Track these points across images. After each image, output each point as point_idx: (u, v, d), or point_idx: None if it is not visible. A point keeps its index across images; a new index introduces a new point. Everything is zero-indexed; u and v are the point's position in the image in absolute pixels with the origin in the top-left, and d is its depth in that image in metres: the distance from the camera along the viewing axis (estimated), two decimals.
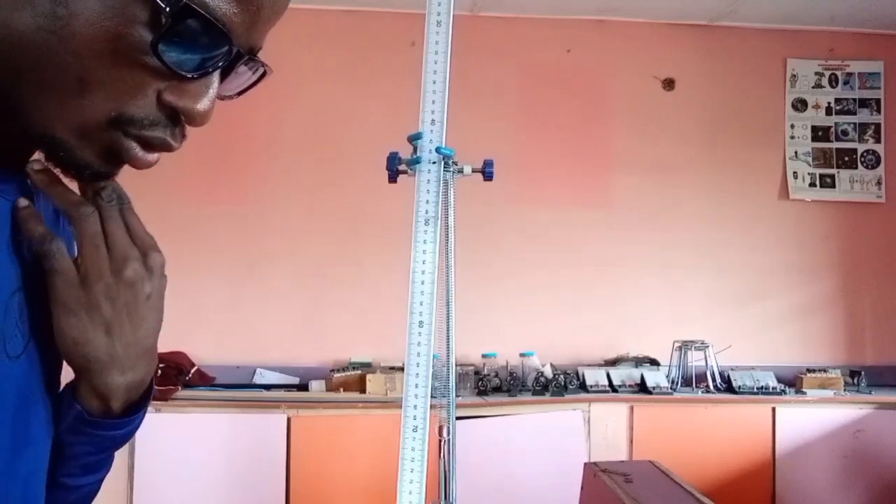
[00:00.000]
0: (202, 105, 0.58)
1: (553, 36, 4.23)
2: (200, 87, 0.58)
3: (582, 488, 2.61)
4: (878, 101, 4.34)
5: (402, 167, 0.93)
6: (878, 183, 4.31)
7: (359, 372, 3.66)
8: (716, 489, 3.51)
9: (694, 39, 4.29)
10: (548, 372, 3.73)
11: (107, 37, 0.53)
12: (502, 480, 3.45)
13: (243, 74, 0.63)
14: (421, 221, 0.85)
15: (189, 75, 0.56)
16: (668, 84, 4.27)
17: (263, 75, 0.64)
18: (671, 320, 4.12)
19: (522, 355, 3.83)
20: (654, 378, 3.80)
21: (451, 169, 0.90)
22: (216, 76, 0.59)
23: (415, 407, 0.81)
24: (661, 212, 4.22)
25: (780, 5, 4.05)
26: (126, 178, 0.64)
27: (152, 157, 0.60)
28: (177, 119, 0.59)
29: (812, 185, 4.29)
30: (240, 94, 0.64)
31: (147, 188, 3.88)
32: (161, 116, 0.58)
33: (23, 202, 0.62)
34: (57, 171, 0.61)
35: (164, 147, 0.60)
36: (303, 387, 3.71)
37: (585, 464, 2.68)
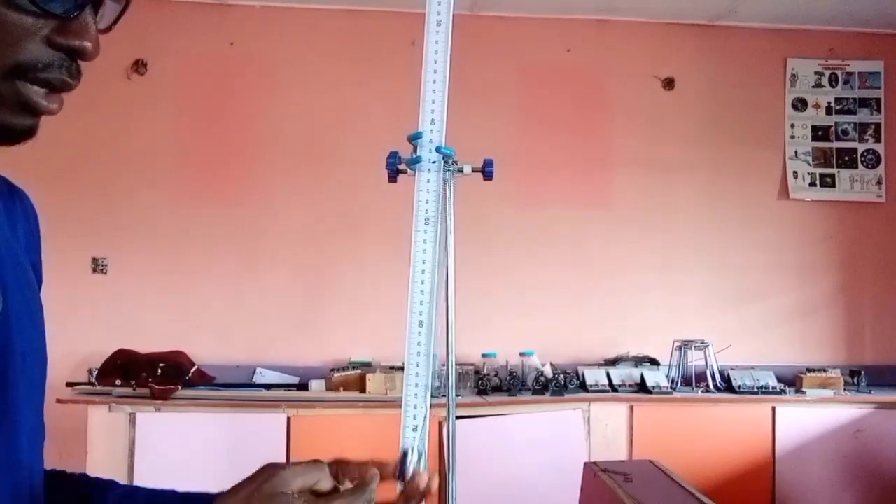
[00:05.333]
0: (89, 40, 0.64)
1: (553, 36, 4.23)
2: (81, 24, 0.63)
3: (582, 488, 2.61)
4: (878, 100, 4.34)
5: (402, 167, 0.93)
6: (878, 182, 4.31)
7: (359, 372, 3.66)
8: (716, 489, 3.51)
9: (694, 39, 4.29)
10: (548, 371, 3.73)
11: None
12: (502, 480, 3.44)
13: (110, 6, 0.68)
14: (421, 221, 0.85)
15: (68, 14, 0.62)
16: (668, 84, 4.27)
17: (128, 3, 0.69)
18: (671, 320, 4.12)
19: (522, 355, 3.82)
20: (653, 378, 3.80)
21: (451, 168, 0.90)
22: (89, 10, 0.65)
23: (415, 407, 0.81)
24: (661, 212, 4.22)
25: (780, 5, 4.05)
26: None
27: (55, 105, 0.65)
28: (69, 58, 0.64)
29: (812, 184, 4.29)
30: (114, 23, 0.69)
31: (147, 188, 3.90)
32: (54, 57, 0.63)
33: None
34: None
35: (65, 86, 0.65)
36: (303, 386, 3.71)
37: (585, 463, 2.68)
